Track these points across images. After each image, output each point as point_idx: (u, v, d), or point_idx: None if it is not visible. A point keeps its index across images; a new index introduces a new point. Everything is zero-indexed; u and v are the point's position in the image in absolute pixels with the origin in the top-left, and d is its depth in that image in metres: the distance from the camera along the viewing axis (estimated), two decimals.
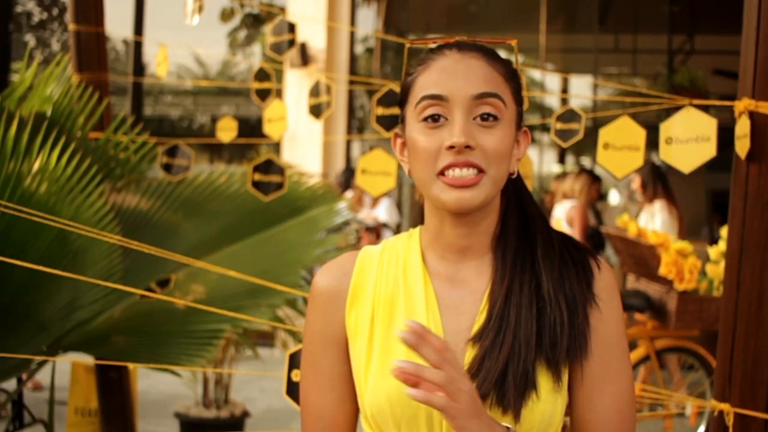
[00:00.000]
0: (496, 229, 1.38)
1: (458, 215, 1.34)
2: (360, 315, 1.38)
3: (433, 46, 1.38)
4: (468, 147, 1.28)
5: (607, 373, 1.33)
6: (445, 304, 1.36)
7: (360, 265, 1.42)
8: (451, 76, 1.31)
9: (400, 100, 1.39)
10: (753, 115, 1.93)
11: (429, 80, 1.32)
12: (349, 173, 7.15)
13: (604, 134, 2.28)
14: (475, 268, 1.37)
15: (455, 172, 1.28)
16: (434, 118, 1.30)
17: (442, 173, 1.29)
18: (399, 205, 9.87)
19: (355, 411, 1.41)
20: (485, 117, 1.30)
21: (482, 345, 1.29)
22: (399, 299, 1.37)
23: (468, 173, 1.29)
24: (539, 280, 1.33)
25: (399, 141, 1.40)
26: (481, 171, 1.29)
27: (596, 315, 1.33)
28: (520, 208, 1.41)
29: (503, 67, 1.34)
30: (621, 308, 1.38)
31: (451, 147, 1.27)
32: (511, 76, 1.35)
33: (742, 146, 1.95)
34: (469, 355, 1.31)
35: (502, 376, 1.27)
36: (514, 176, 1.38)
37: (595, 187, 6.82)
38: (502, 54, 1.39)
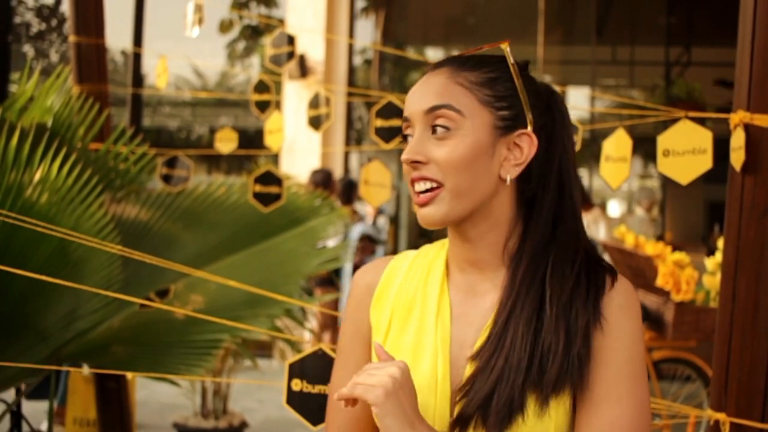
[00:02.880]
0: (513, 242, 1.36)
1: (459, 230, 1.36)
2: (380, 315, 1.43)
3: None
4: (417, 162, 1.32)
5: (609, 397, 1.28)
6: (457, 315, 1.37)
7: (391, 266, 1.46)
8: (413, 95, 1.36)
9: None
10: (748, 128, 1.94)
11: (405, 102, 1.38)
12: (325, 174, 7.10)
13: (607, 147, 2.31)
14: (491, 281, 1.37)
15: (415, 188, 1.33)
16: (405, 138, 1.36)
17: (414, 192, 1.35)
18: (397, 219, 9.87)
19: None
20: (435, 129, 1.32)
21: (477, 365, 1.30)
22: (416, 306, 1.40)
23: (423, 187, 1.32)
24: (543, 302, 1.30)
25: None
26: (439, 185, 1.31)
27: (599, 337, 1.29)
28: (551, 224, 1.36)
29: (474, 74, 1.34)
30: (635, 329, 1.31)
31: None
32: (485, 82, 1.33)
33: (737, 158, 1.96)
34: (467, 371, 1.32)
35: (488, 398, 1.27)
36: (507, 182, 1.34)
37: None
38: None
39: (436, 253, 1.45)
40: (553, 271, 1.32)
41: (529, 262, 1.33)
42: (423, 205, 1.32)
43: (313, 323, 6.68)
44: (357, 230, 7.24)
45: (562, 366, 1.26)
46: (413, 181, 1.33)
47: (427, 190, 1.32)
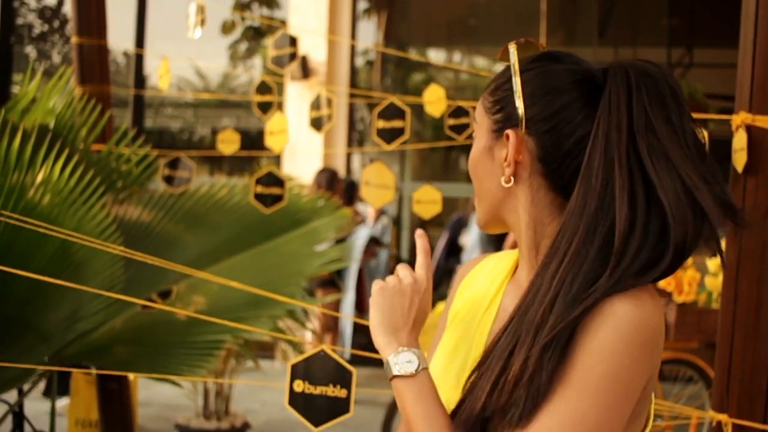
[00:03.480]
0: (546, 244, 1.27)
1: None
2: (456, 305, 1.46)
3: None
4: None
5: (546, 406, 1.13)
6: (503, 309, 1.37)
7: (481, 264, 1.49)
8: None
9: None
10: (750, 129, 1.94)
11: None
12: (330, 175, 7.08)
13: None
14: None
15: None
16: None
17: None
18: (399, 220, 9.87)
19: None
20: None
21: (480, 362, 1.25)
22: (477, 306, 1.41)
23: None
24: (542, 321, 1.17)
25: None
26: None
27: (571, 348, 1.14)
28: (588, 226, 1.19)
29: (490, 85, 1.36)
30: (618, 337, 1.13)
31: None
32: (491, 90, 1.35)
33: (739, 159, 1.96)
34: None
35: (469, 412, 1.21)
36: (505, 184, 1.28)
37: None
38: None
39: (513, 255, 1.46)
40: (564, 283, 1.17)
41: (542, 269, 1.22)
42: None
43: (315, 324, 6.68)
44: (363, 233, 7.23)
45: (509, 402, 1.15)
46: None
47: None
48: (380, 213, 7.70)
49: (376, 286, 1.32)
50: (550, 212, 1.29)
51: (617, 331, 1.14)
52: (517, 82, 1.28)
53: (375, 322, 1.29)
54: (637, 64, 1.26)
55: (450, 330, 1.43)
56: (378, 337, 1.29)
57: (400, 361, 1.25)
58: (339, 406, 1.68)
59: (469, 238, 7.53)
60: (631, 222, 1.16)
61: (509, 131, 1.28)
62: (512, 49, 1.31)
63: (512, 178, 1.28)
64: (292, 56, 3.30)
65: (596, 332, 1.14)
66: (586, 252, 1.17)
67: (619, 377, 1.14)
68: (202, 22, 3.37)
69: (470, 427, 1.19)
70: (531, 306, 1.19)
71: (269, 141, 3.35)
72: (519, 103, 1.27)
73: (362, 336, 7.70)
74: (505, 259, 1.47)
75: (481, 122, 1.35)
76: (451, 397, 1.28)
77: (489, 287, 1.42)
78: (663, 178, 1.17)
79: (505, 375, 1.16)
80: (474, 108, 1.46)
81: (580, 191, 1.21)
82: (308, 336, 5.63)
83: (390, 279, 1.32)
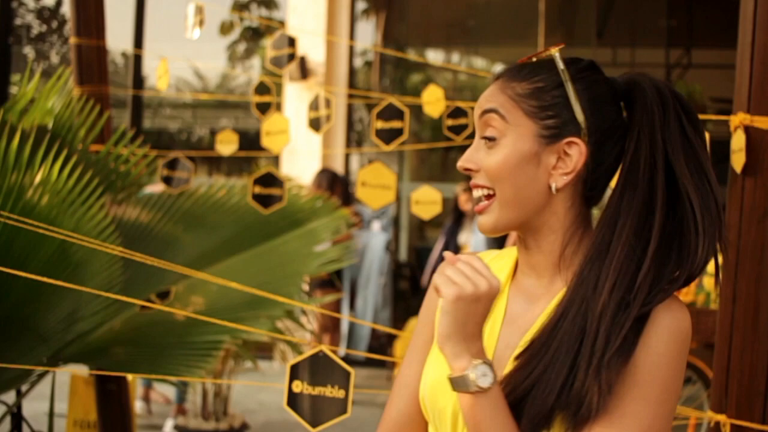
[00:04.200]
0: (571, 250, 1.32)
1: (520, 236, 1.37)
2: None
3: None
4: (468, 170, 1.34)
5: (612, 415, 1.20)
6: (510, 316, 1.37)
7: None
8: (478, 101, 1.38)
9: None
10: (748, 130, 1.94)
11: None
12: (330, 175, 7.07)
13: None
14: (546, 287, 1.36)
15: (473, 195, 1.35)
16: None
17: None
18: (397, 221, 9.86)
19: None
20: (485, 138, 1.33)
21: (517, 364, 1.27)
22: None
23: (478, 194, 1.34)
24: (591, 317, 1.23)
25: None
26: (491, 194, 1.32)
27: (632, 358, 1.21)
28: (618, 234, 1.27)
29: (522, 85, 1.32)
30: (671, 349, 1.22)
31: None
32: (531, 93, 1.32)
33: (737, 160, 1.96)
34: (507, 368, 1.30)
35: (521, 400, 1.23)
36: (556, 192, 1.31)
37: None
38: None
39: (510, 256, 1.44)
40: (608, 286, 1.23)
41: (584, 270, 1.27)
42: (480, 213, 1.34)
43: (313, 324, 6.68)
44: (380, 239, 7.17)
45: (579, 400, 1.20)
46: (472, 188, 1.35)
47: (482, 198, 1.34)
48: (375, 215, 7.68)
49: (450, 291, 1.21)
50: (581, 222, 1.34)
51: (670, 344, 1.23)
52: (572, 90, 1.31)
53: (447, 331, 1.22)
54: (658, 80, 1.35)
55: None
56: (448, 348, 1.23)
57: (477, 374, 1.21)
58: (337, 407, 1.69)
59: (473, 239, 7.51)
60: (672, 230, 1.27)
61: (576, 140, 1.30)
62: (557, 54, 1.34)
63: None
64: (291, 57, 3.30)
65: (651, 343, 1.22)
66: (633, 257, 1.25)
67: (674, 387, 1.24)
68: (201, 23, 3.37)
69: (539, 421, 1.21)
70: (576, 317, 1.24)
71: (266, 141, 3.35)
72: (580, 112, 1.30)
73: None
74: (498, 259, 1.46)
75: (516, 124, 1.31)
76: (447, 386, 1.27)
77: None
78: (700, 188, 1.27)
79: (573, 373, 1.21)
80: (472, 108, 1.47)
81: (623, 200, 1.28)
82: (307, 336, 5.63)
83: (466, 284, 1.21)
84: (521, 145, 1.30)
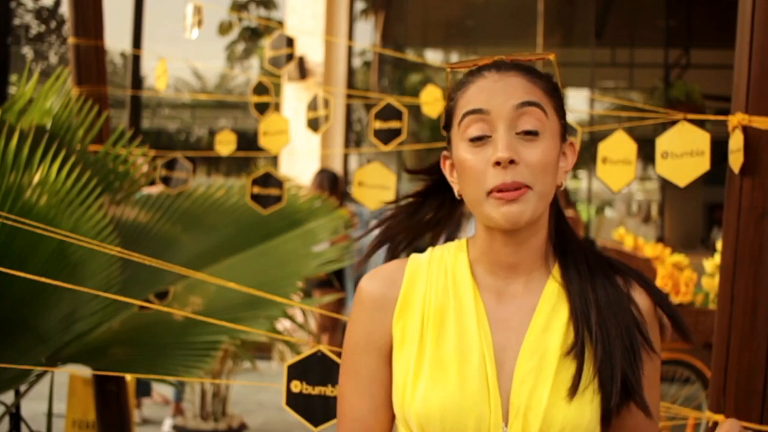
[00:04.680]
0: (546, 244, 1.41)
1: (509, 232, 1.34)
2: (408, 324, 1.38)
3: (473, 68, 1.40)
4: (512, 162, 1.29)
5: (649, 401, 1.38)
6: (495, 319, 1.36)
7: (410, 274, 1.41)
8: (491, 92, 1.33)
9: (445, 123, 1.42)
10: (746, 130, 1.94)
11: (470, 98, 1.35)
12: (330, 175, 7.06)
13: (603, 148, 2.30)
14: (524, 284, 1.38)
15: (499, 186, 1.30)
16: (479, 138, 1.32)
17: (491, 192, 1.30)
18: None
19: (390, 418, 1.41)
20: (527, 132, 1.31)
21: (579, 360, 1.33)
22: (449, 311, 1.37)
23: (511, 184, 1.33)
24: (596, 302, 1.37)
25: (448, 162, 1.43)
26: (526, 186, 1.30)
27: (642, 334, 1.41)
28: (559, 224, 1.45)
29: (543, 81, 1.36)
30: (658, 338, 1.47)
31: (498, 163, 1.29)
32: (553, 90, 1.37)
33: (735, 160, 1.97)
34: (519, 370, 1.31)
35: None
36: (562, 188, 1.42)
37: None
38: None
39: (454, 255, 1.42)
40: (592, 269, 1.40)
41: (574, 262, 1.40)
42: (512, 201, 1.30)
43: (312, 325, 6.68)
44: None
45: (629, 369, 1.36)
46: (502, 189, 1.30)
47: (516, 188, 1.30)
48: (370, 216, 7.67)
49: None
50: (551, 216, 1.45)
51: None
52: (563, 96, 1.40)
53: None
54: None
55: (434, 349, 1.36)
56: None
57: None
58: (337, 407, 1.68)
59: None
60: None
61: (574, 141, 1.41)
62: (553, 59, 1.41)
63: None
64: (289, 57, 3.30)
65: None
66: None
67: None
68: (200, 23, 3.38)
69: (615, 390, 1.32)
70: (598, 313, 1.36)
71: (264, 141, 3.35)
72: (569, 117, 1.41)
73: None
74: (437, 259, 1.43)
75: (551, 120, 1.35)
76: (482, 410, 1.30)
77: (455, 294, 1.39)
78: None
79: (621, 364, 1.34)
80: None
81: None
82: (305, 336, 5.62)
83: None
84: (556, 140, 1.35)
